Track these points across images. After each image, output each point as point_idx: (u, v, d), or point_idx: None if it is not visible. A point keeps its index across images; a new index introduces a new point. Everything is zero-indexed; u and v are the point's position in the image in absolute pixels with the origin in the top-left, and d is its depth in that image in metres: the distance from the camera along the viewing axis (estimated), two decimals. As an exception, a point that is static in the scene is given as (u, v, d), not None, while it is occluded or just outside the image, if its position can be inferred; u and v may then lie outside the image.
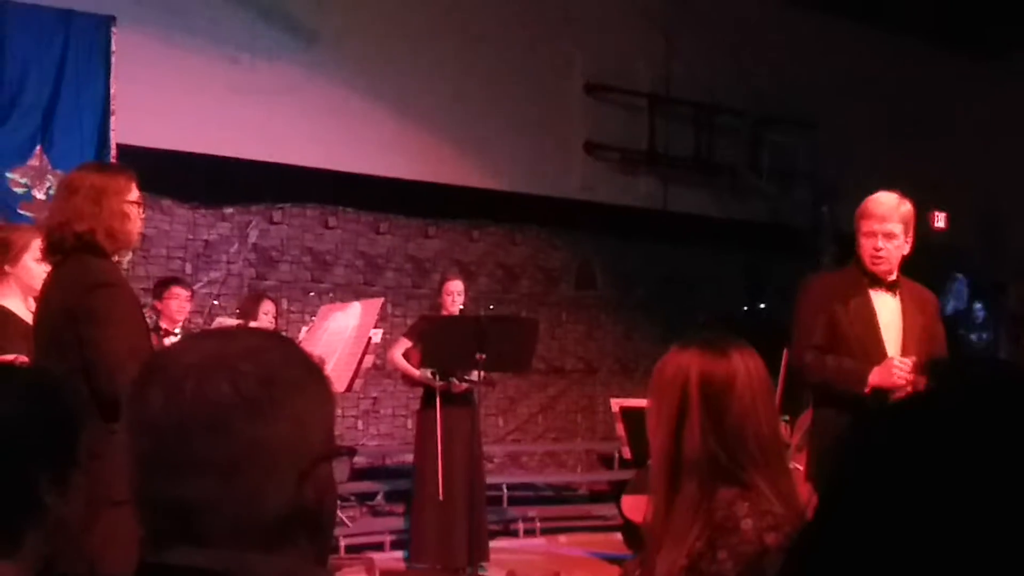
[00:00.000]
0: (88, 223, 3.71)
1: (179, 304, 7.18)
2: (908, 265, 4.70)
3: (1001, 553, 0.76)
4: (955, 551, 0.76)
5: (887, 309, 4.56)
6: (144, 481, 1.29)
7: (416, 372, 7.52)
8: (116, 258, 3.89)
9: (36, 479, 1.75)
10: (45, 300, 3.85)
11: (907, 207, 4.57)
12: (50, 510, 1.74)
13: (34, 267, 4.48)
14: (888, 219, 4.50)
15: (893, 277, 4.58)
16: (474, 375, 7.39)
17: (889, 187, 4.66)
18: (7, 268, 4.55)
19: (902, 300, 4.58)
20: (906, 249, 4.58)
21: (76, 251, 3.73)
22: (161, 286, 7.39)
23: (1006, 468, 0.78)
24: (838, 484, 0.83)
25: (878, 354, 4.46)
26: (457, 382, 7.43)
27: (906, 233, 4.55)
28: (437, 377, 7.39)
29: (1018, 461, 0.78)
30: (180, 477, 1.25)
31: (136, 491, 1.30)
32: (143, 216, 3.95)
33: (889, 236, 4.50)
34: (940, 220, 12.68)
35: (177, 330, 6.91)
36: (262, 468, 1.27)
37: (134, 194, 3.87)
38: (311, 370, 1.37)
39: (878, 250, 4.50)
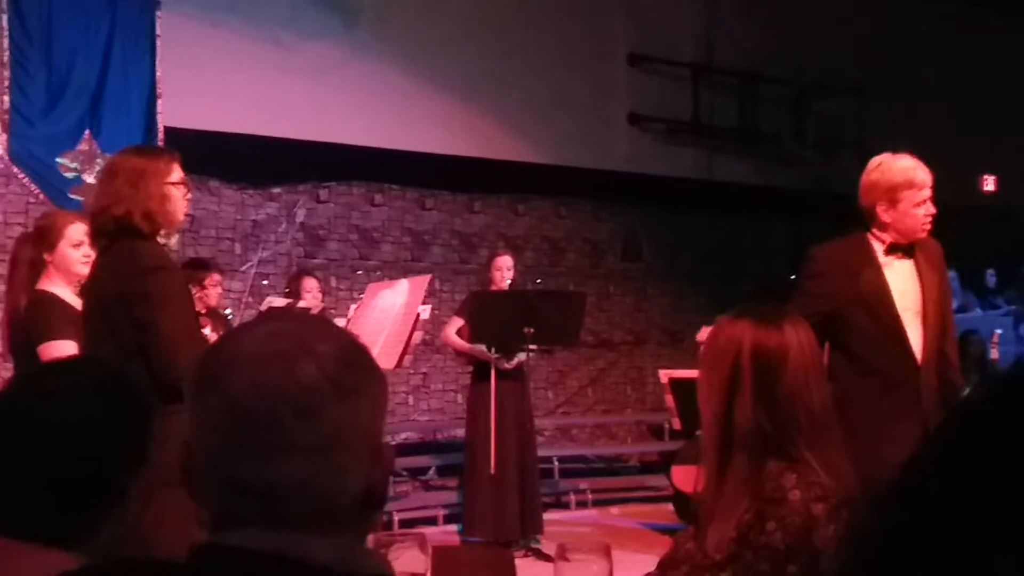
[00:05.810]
0: (125, 206, 3.67)
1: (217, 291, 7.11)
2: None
3: None
4: None
5: (902, 275, 4.42)
6: (226, 464, 1.27)
7: (469, 347, 7.53)
8: (163, 240, 3.87)
9: (115, 473, 1.79)
10: (95, 285, 3.83)
11: None
12: (126, 500, 1.78)
13: (70, 253, 4.46)
14: (929, 183, 4.39)
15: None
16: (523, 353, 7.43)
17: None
18: (46, 256, 4.49)
19: (916, 261, 4.44)
20: None
21: (120, 235, 3.70)
22: (204, 272, 7.02)
23: None
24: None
25: (894, 325, 4.34)
26: (508, 361, 7.42)
27: None
28: (492, 351, 7.40)
29: None
30: (269, 460, 1.25)
31: (212, 473, 1.29)
32: (188, 197, 3.90)
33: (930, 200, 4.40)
34: (990, 183, 12.56)
35: (229, 313, 6.89)
36: (347, 449, 1.28)
37: (176, 175, 3.82)
38: (368, 352, 1.38)
39: (932, 216, 4.37)
